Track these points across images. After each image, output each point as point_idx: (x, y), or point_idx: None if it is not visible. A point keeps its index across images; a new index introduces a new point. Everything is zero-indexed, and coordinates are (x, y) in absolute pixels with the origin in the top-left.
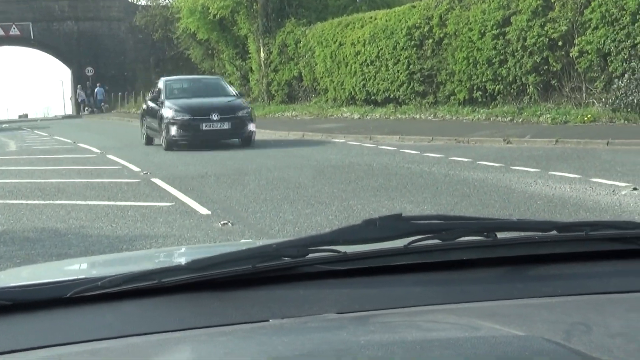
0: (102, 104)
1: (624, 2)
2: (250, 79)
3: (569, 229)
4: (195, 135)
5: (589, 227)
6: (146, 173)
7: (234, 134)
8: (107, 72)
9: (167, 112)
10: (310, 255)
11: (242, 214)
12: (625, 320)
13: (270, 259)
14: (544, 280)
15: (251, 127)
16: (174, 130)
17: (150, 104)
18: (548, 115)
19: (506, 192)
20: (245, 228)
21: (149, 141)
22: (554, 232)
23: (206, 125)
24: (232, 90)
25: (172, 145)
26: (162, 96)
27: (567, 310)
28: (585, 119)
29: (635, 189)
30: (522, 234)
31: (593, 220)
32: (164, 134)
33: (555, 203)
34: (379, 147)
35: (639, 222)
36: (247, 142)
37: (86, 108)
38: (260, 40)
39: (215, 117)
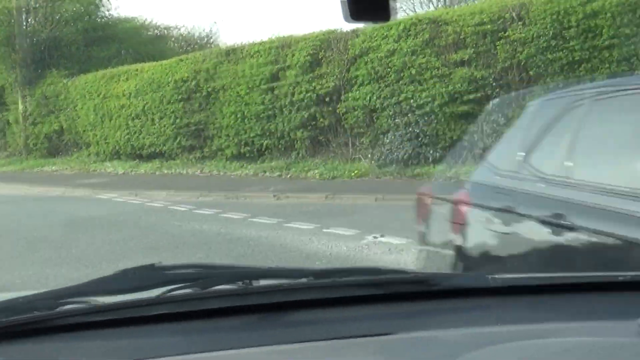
0: None
1: (389, 60)
2: (8, 132)
3: (320, 275)
4: None
5: (339, 274)
6: None
7: None
8: None
9: None
10: (63, 307)
11: (3, 278)
12: None
13: (20, 312)
14: (295, 327)
15: None
16: None
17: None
18: (317, 171)
19: (282, 252)
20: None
21: None
22: (306, 279)
23: None
24: None
25: None
26: None
27: (310, 356)
28: (353, 174)
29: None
30: (276, 281)
31: (346, 267)
32: None
33: (334, 263)
34: (146, 204)
35: (385, 268)
36: None
37: None
38: (19, 92)
39: None
